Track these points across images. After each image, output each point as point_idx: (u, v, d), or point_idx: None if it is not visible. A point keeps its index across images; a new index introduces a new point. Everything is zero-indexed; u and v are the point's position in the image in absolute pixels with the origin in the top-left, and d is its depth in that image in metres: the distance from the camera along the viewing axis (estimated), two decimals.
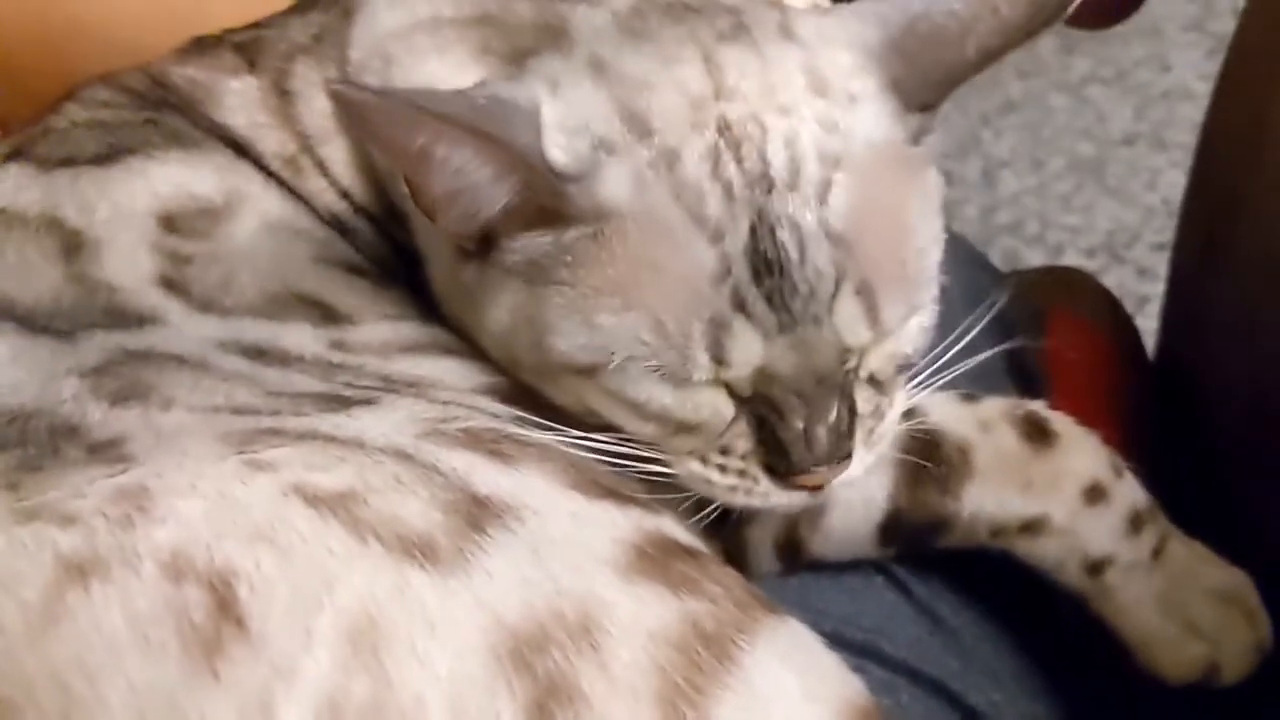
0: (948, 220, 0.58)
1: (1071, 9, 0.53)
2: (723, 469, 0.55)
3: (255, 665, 0.42)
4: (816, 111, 0.53)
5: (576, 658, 0.43)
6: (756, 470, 0.54)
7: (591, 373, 0.53)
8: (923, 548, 0.62)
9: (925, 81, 0.54)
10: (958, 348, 0.59)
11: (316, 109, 0.63)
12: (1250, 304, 0.76)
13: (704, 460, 0.55)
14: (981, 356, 0.61)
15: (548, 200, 0.51)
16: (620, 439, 0.54)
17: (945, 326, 0.59)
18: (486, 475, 0.48)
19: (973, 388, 0.64)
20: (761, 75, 0.53)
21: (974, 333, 0.62)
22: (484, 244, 0.54)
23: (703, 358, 0.51)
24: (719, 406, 0.53)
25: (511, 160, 0.50)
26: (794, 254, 0.51)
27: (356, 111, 0.50)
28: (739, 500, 0.55)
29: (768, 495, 0.55)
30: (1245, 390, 0.77)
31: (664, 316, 0.51)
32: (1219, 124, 0.87)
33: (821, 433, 0.52)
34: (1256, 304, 0.75)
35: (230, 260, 0.58)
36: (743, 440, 0.54)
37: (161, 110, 0.64)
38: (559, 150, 0.50)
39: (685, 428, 0.54)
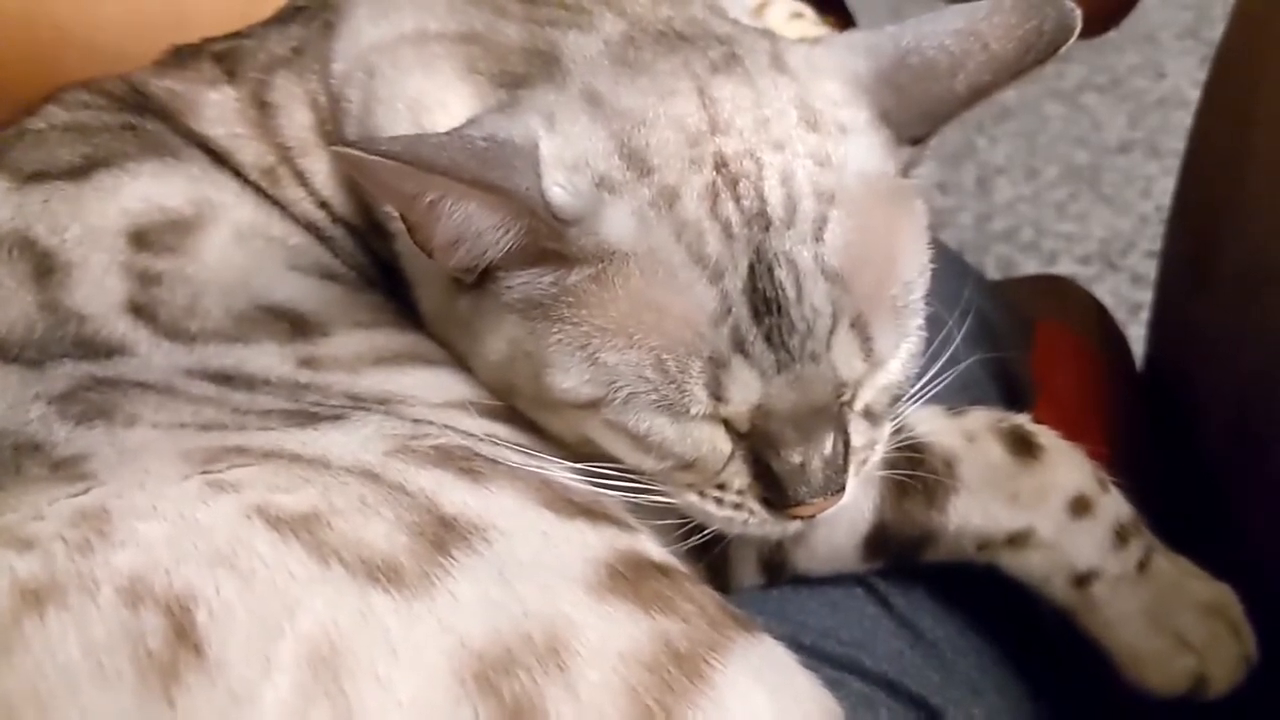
0: (941, 227, 0.58)
1: (1063, 49, 0.53)
2: (719, 501, 0.55)
3: (213, 693, 0.41)
4: (809, 146, 0.52)
5: (543, 680, 0.43)
6: (753, 503, 0.54)
7: (593, 407, 0.53)
8: (908, 561, 0.62)
9: (915, 114, 0.54)
10: (944, 359, 0.59)
11: (297, 121, 0.63)
12: (1234, 317, 0.76)
13: (701, 493, 0.55)
14: (964, 365, 0.61)
15: (551, 241, 0.51)
16: (616, 469, 0.54)
17: (931, 337, 0.59)
18: (455, 494, 0.48)
19: (960, 398, 0.64)
20: (755, 109, 0.53)
21: (959, 343, 0.62)
22: (481, 276, 0.54)
23: (702, 394, 0.51)
24: (717, 443, 0.53)
25: (515, 208, 0.50)
26: (792, 293, 0.51)
27: (361, 170, 0.50)
28: (735, 529, 0.56)
29: (763, 524, 0.55)
30: (1228, 402, 0.77)
31: (665, 355, 0.50)
32: (1205, 136, 0.87)
33: (817, 466, 0.52)
34: (1240, 317, 0.75)
35: (198, 279, 0.58)
36: (740, 476, 0.54)
37: (142, 115, 0.64)
38: (559, 189, 0.50)
39: (684, 463, 0.54)
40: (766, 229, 0.51)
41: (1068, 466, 0.62)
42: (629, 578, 0.47)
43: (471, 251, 0.52)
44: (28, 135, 0.63)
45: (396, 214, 0.55)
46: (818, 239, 0.51)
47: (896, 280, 0.53)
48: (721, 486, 0.54)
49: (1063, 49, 0.53)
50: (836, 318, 0.51)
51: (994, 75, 0.53)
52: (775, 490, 0.53)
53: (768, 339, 0.51)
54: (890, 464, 0.59)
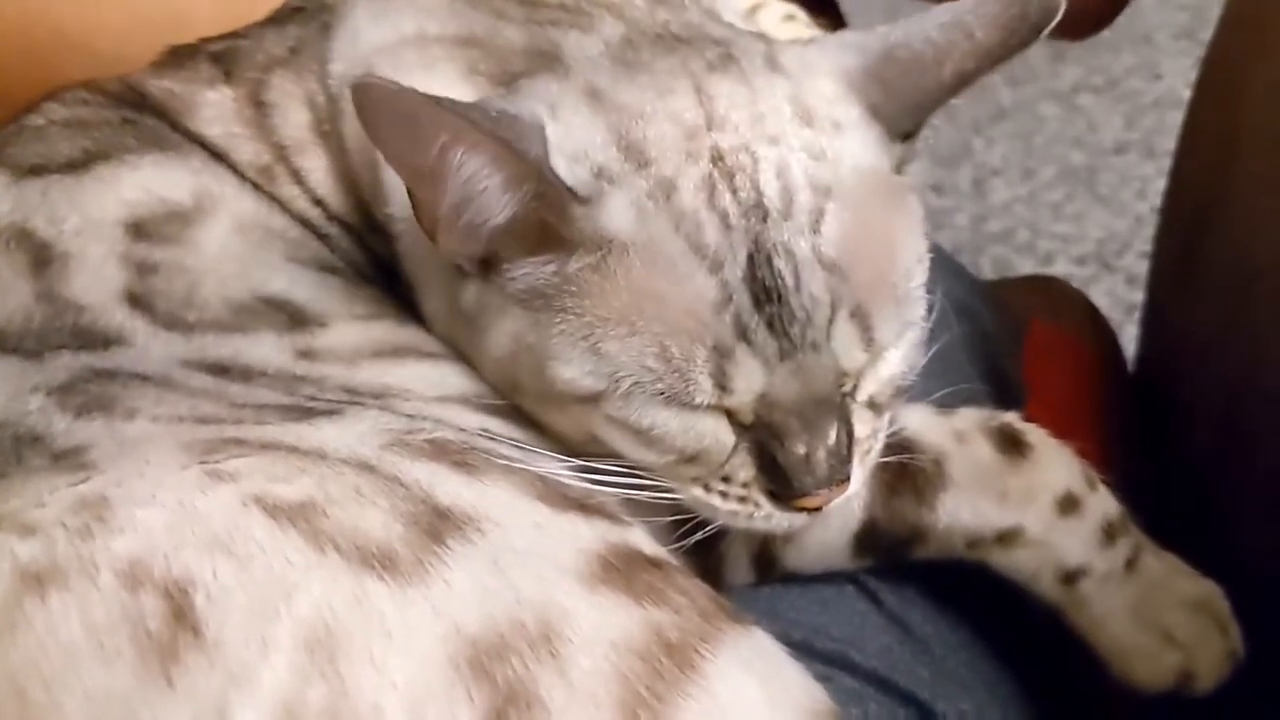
0: (937, 228, 0.58)
1: (1045, 32, 0.54)
2: (725, 495, 0.55)
3: (211, 673, 0.42)
4: (804, 141, 0.54)
5: (536, 665, 0.43)
6: (759, 495, 0.55)
7: (595, 400, 0.53)
8: (898, 559, 0.62)
9: (903, 107, 0.55)
10: (936, 359, 0.60)
11: (293, 120, 0.64)
12: (1222, 316, 0.76)
13: (706, 487, 0.55)
14: (956, 364, 0.61)
15: (553, 217, 0.52)
16: (618, 466, 0.54)
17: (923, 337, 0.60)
18: (449, 486, 0.48)
19: (951, 397, 0.65)
20: (750, 105, 0.54)
21: (951, 343, 0.62)
22: (484, 267, 0.55)
23: (706, 383, 0.51)
24: (721, 435, 0.54)
25: (524, 170, 0.51)
26: (790, 281, 0.51)
27: (380, 104, 0.49)
28: (740, 523, 0.56)
29: (769, 518, 0.56)
30: (1216, 400, 0.77)
31: (668, 343, 0.51)
32: (1194, 137, 0.88)
33: (822, 456, 0.53)
34: (1228, 316, 0.75)
35: (196, 270, 0.58)
36: (745, 468, 0.54)
37: (140, 112, 0.64)
38: (564, 172, 0.51)
39: (688, 456, 0.54)
40: (764, 220, 0.52)
41: (1056, 465, 0.62)
42: (621, 569, 0.47)
43: (476, 217, 0.52)
44: (27, 131, 0.63)
45: (404, 186, 0.55)
46: (815, 230, 0.52)
47: (896, 271, 0.54)
48: (726, 479, 0.55)
49: (1045, 31, 0.54)
50: (835, 307, 0.52)
51: (978, 62, 0.54)
52: (780, 482, 0.54)
53: (769, 327, 0.51)
54: (880, 461, 0.59)
